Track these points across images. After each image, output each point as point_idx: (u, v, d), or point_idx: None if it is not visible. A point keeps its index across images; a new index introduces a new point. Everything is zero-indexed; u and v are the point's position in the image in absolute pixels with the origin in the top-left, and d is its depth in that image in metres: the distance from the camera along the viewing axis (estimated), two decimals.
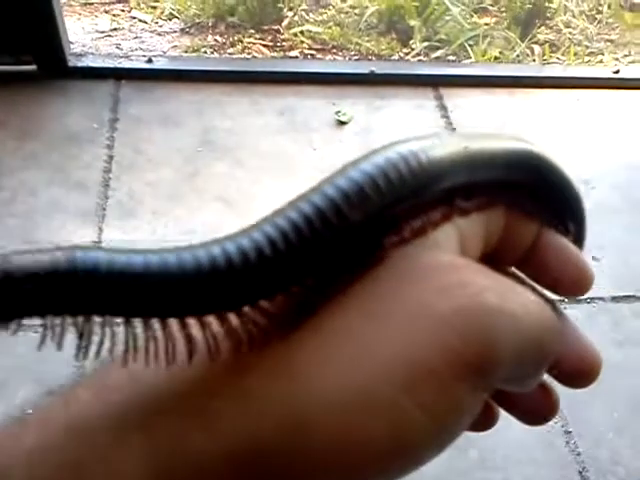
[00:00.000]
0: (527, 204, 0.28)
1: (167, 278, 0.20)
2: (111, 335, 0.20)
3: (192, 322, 0.21)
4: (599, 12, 2.27)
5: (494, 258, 0.27)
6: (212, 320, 0.21)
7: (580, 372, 0.28)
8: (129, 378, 0.22)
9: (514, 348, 0.23)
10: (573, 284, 0.28)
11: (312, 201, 0.21)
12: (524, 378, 0.26)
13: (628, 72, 1.97)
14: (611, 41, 2.21)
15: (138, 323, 0.20)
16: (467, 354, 0.21)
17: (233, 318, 0.21)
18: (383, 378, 0.21)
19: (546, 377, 0.30)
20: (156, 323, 0.20)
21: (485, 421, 0.30)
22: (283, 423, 0.20)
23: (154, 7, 2.19)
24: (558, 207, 0.29)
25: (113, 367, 0.22)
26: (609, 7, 2.27)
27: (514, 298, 0.24)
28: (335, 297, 0.22)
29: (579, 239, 0.31)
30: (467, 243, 0.25)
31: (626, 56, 2.14)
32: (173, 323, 0.20)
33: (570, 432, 1.23)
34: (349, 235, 0.21)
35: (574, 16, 2.25)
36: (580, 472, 1.19)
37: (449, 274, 0.23)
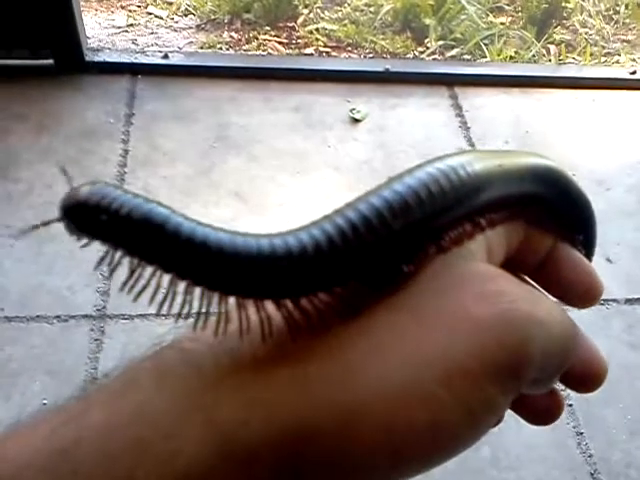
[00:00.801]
0: (545, 217, 0.30)
1: (253, 260, 0.22)
2: (187, 298, 0.22)
3: (251, 305, 0.22)
4: (616, 12, 2.25)
5: (510, 267, 0.29)
6: (270, 305, 0.23)
7: (587, 377, 0.29)
8: (182, 360, 0.23)
9: (543, 353, 0.25)
10: (583, 295, 0.30)
11: (361, 207, 0.24)
12: (545, 381, 0.28)
13: None
14: (628, 42, 2.20)
15: (215, 296, 0.22)
16: (501, 356, 0.23)
17: (291, 306, 0.23)
18: (425, 372, 0.23)
19: None
20: (232, 300, 0.22)
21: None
22: (337, 408, 0.22)
23: (170, 3, 2.20)
24: (573, 220, 0.31)
25: (165, 350, 0.23)
26: (626, 7, 2.25)
27: (543, 306, 0.26)
28: (385, 296, 0.24)
29: (589, 249, 0.33)
30: (492, 252, 0.28)
31: None
32: (249, 303, 0.22)
33: (582, 433, 1.22)
34: (395, 241, 0.24)
35: (591, 16, 2.23)
36: (592, 474, 1.18)
37: (487, 282, 0.25)
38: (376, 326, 0.24)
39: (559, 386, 0.30)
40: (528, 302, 0.25)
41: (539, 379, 0.26)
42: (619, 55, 2.13)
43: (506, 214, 0.28)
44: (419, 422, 0.22)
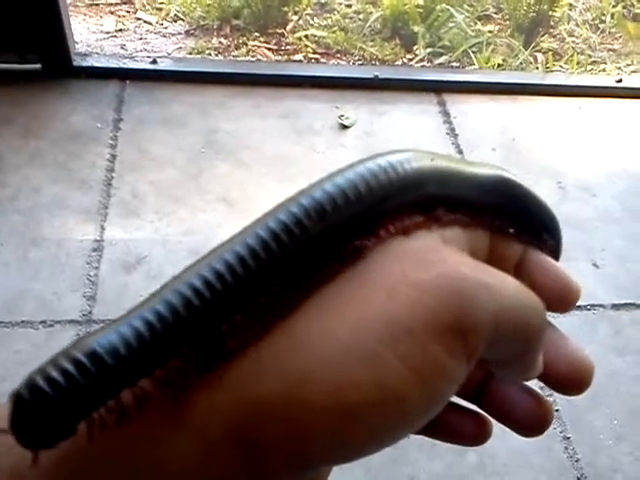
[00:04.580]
0: (507, 226, 0.30)
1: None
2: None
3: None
4: (602, 22, 2.28)
5: None
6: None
7: (573, 378, 0.29)
8: None
9: (496, 321, 0.24)
10: (560, 300, 0.30)
11: (278, 217, 0.24)
12: (512, 364, 0.27)
13: (630, 81, 1.98)
14: (614, 50, 2.22)
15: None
16: (444, 316, 0.23)
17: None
18: (368, 334, 0.23)
19: (539, 387, 0.31)
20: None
21: (478, 434, 0.32)
22: (285, 378, 0.23)
23: (159, 9, 2.20)
24: (535, 227, 0.32)
25: None
26: (612, 17, 2.28)
27: (491, 273, 0.26)
28: (334, 273, 0.25)
29: (557, 252, 0.33)
30: None
31: (628, 65, 2.15)
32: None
33: (569, 438, 1.23)
34: (324, 239, 0.24)
35: (577, 25, 2.26)
36: (579, 478, 1.19)
37: (429, 252, 0.26)
38: (323, 297, 0.24)
39: (546, 393, 0.30)
40: (473, 269, 0.25)
41: (503, 360, 0.27)
42: (605, 63, 2.15)
43: (460, 218, 0.28)
44: (366, 384, 0.23)
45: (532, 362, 0.28)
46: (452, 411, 0.31)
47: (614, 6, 2.28)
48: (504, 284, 0.26)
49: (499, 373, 0.30)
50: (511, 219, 0.30)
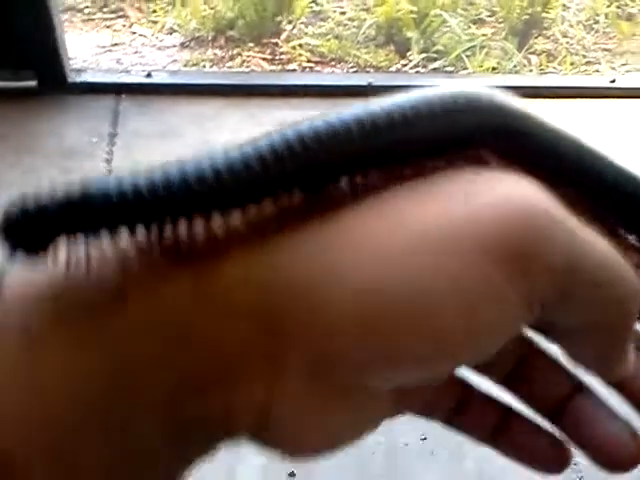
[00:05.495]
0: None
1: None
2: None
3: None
4: (596, 22, 2.27)
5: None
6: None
7: None
8: None
9: (565, 259, 0.21)
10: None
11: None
12: (592, 337, 0.24)
13: (625, 81, 1.97)
14: (608, 50, 2.22)
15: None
16: (509, 235, 0.21)
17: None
18: (420, 239, 0.21)
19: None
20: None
21: (555, 456, 0.29)
22: (324, 267, 0.21)
23: (155, 22, 2.21)
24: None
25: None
26: (606, 17, 2.28)
27: (581, 225, 0.22)
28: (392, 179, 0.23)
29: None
30: None
31: (623, 65, 2.14)
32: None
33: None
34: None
35: (571, 26, 2.25)
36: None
37: (510, 181, 0.22)
38: (385, 201, 0.22)
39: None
40: (559, 209, 0.21)
41: (579, 330, 0.23)
42: (599, 64, 2.15)
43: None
44: (399, 285, 0.20)
45: (614, 349, 0.24)
46: (528, 426, 0.29)
47: (608, 6, 2.28)
48: (591, 237, 0.22)
49: (574, 352, 0.25)
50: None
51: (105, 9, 2.23)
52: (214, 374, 0.21)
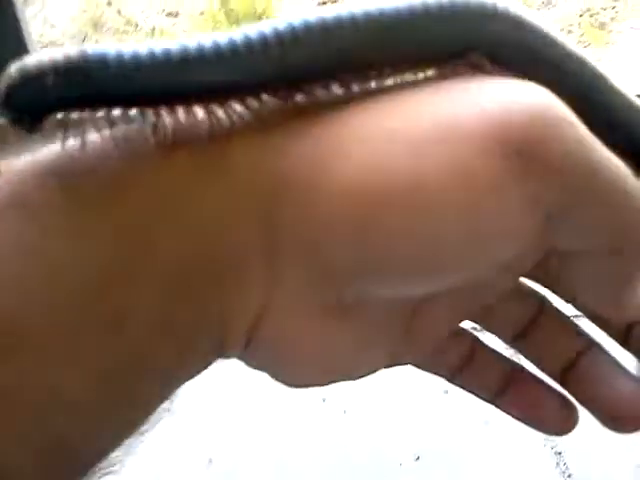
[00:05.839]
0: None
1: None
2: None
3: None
4: (570, 32, 2.31)
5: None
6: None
7: None
8: None
9: (571, 163, 0.19)
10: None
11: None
12: (600, 261, 0.22)
13: None
14: None
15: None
16: (512, 125, 0.19)
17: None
18: (414, 123, 0.20)
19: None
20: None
21: (561, 417, 0.28)
22: (319, 156, 0.20)
23: None
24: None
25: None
26: (579, 26, 2.32)
27: (596, 139, 0.20)
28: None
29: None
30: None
31: None
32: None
33: (560, 453, 1.21)
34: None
35: None
36: None
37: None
38: (389, 99, 0.21)
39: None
40: (562, 106, 0.20)
41: (585, 253, 0.21)
42: None
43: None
44: (398, 163, 0.19)
45: (623, 276, 0.22)
46: (536, 385, 0.28)
47: (580, 15, 2.32)
48: (606, 151, 0.20)
49: (580, 279, 0.23)
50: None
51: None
52: (212, 268, 0.20)
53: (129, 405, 0.21)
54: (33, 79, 0.19)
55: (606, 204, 0.20)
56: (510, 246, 0.20)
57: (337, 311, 0.21)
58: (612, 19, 2.31)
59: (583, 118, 0.21)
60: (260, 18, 2.04)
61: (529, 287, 0.27)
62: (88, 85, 0.19)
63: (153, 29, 2.16)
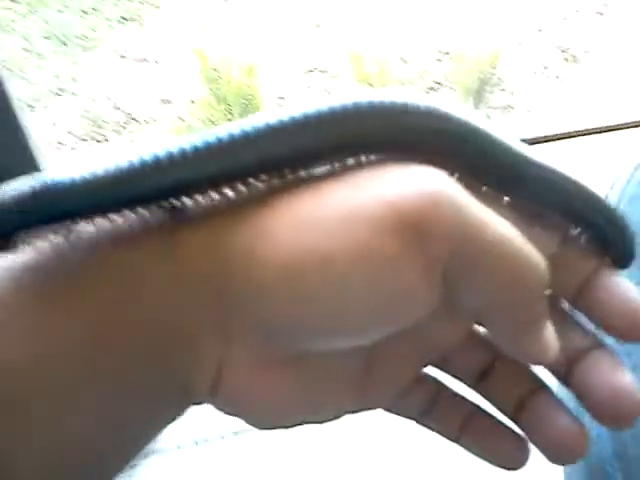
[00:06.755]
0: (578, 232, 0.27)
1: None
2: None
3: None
4: (546, 67, 2.37)
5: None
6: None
7: (609, 407, 0.27)
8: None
9: (461, 231, 0.23)
10: (623, 332, 0.28)
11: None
12: (504, 317, 0.25)
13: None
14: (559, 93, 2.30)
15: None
16: (405, 207, 0.23)
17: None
18: (328, 210, 0.23)
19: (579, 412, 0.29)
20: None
21: (515, 452, 0.30)
22: (254, 236, 0.24)
23: None
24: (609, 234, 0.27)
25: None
26: (554, 61, 2.38)
27: (482, 206, 0.24)
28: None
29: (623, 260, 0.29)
30: None
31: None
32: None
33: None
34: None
35: (523, 75, 2.35)
36: None
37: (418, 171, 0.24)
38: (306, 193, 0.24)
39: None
40: (449, 183, 0.23)
41: (489, 310, 0.25)
42: (555, 108, 2.23)
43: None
44: (312, 248, 0.23)
45: (523, 329, 0.25)
46: (492, 424, 0.31)
47: (554, 52, 2.38)
48: (489, 215, 0.23)
49: (489, 328, 0.27)
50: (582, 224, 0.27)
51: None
52: (175, 337, 0.24)
53: (114, 451, 0.25)
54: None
55: (492, 264, 0.23)
56: (412, 309, 0.24)
57: (287, 363, 0.25)
58: None
59: (489, 179, 0.26)
60: (250, 100, 2.14)
61: (485, 335, 0.31)
62: (39, 210, 0.23)
63: (149, 121, 2.26)
